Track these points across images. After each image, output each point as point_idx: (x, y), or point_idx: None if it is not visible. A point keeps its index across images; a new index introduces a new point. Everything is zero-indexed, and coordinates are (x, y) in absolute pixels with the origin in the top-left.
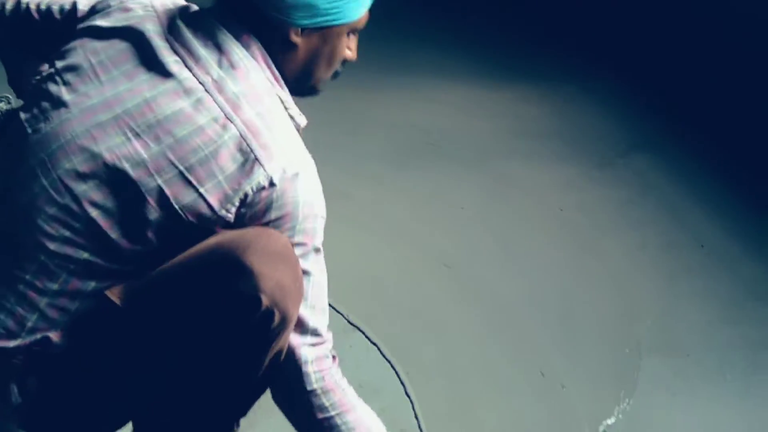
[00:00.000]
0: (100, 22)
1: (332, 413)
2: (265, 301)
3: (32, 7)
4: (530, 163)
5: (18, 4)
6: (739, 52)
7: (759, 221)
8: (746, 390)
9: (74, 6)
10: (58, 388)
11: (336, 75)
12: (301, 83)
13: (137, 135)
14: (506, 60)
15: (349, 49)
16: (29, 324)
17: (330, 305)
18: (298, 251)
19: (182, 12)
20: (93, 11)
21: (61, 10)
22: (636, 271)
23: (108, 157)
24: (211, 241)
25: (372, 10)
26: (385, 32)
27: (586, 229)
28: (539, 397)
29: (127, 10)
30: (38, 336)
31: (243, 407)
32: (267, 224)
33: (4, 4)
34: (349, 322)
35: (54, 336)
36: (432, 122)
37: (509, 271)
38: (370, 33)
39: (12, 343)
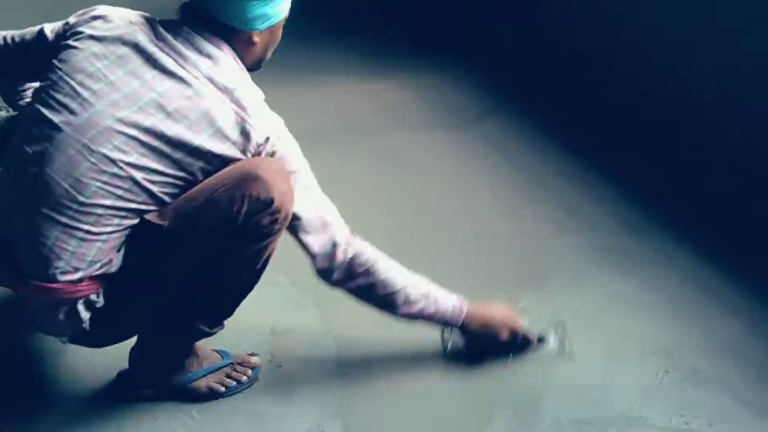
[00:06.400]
0: (90, 31)
1: (367, 266)
2: (276, 201)
3: (7, 41)
4: (407, 132)
5: None
6: (555, 34)
7: (575, 154)
8: None
9: (42, 31)
10: (114, 299)
11: (273, 53)
12: (255, 66)
13: (161, 120)
14: (383, 58)
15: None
16: (89, 258)
17: None
18: (297, 175)
19: (160, 23)
20: (68, 29)
21: (33, 37)
22: (486, 201)
23: (142, 137)
24: (229, 167)
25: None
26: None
27: (452, 177)
28: None
29: (108, 21)
30: (98, 264)
31: (232, 306)
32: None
33: None
34: None
35: (114, 257)
36: (333, 106)
37: (400, 215)
38: (291, 42)
39: (77, 275)
